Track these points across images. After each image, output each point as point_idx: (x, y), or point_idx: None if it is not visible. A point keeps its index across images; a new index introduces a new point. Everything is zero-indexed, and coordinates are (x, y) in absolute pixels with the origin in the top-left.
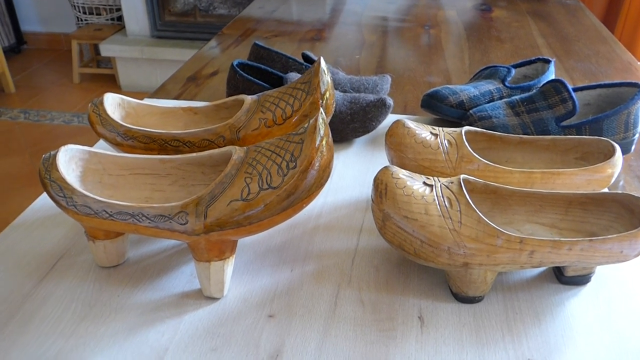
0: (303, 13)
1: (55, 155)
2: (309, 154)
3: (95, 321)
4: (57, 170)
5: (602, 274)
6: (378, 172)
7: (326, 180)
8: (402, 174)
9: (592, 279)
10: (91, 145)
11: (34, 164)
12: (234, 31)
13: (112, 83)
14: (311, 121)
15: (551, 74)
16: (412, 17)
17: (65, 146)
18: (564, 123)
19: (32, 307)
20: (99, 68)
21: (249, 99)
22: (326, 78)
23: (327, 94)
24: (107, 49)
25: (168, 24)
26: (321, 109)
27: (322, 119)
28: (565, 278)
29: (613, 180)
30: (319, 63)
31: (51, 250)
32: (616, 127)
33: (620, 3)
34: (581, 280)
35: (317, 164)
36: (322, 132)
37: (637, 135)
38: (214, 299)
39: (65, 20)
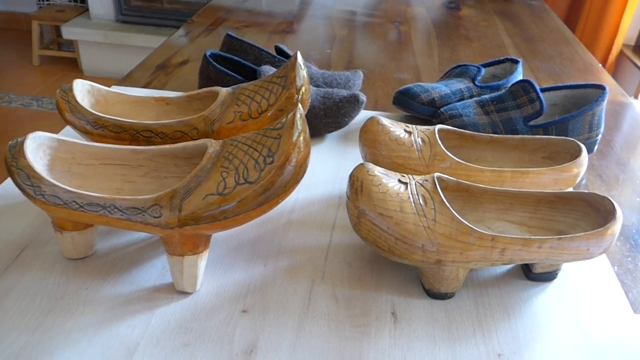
0: (273, 4)
1: (22, 142)
2: (287, 150)
3: (62, 314)
4: (25, 158)
5: (568, 270)
6: (354, 169)
7: (302, 176)
8: (377, 171)
9: (559, 275)
10: (55, 132)
11: None
12: (204, 19)
13: (74, 67)
14: (289, 116)
15: (519, 74)
16: (381, 13)
17: (34, 133)
18: (532, 123)
19: None
20: (60, 51)
21: (223, 91)
22: (302, 73)
23: (303, 89)
24: (69, 32)
25: (134, 8)
26: (299, 104)
27: (300, 114)
28: (533, 275)
29: (579, 179)
30: (296, 57)
31: (15, 241)
32: (581, 128)
33: (582, 4)
34: (548, 276)
35: (294, 160)
36: (299, 127)
37: (600, 136)
38: (186, 293)
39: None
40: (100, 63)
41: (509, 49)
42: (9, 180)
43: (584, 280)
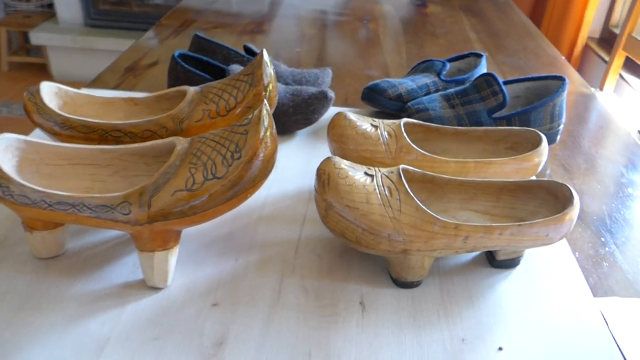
0: (242, 5)
1: None
2: (254, 145)
3: (32, 313)
4: None
5: (531, 257)
6: (321, 163)
7: (270, 171)
8: (344, 164)
9: (521, 262)
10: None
11: None
12: (173, 21)
13: (43, 72)
14: (255, 112)
15: (483, 68)
16: (350, 11)
17: (1, 135)
18: (495, 115)
19: None
20: (29, 57)
21: (191, 90)
22: (269, 70)
23: (270, 86)
24: (37, 37)
25: (102, 12)
26: (265, 101)
27: (267, 111)
28: (497, 262)
29: (540, 168)
30: (262, 55)
31: None
32: (543, 118)
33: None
34: (511, 263)
35: (261, 155)
36: (266, 123)
37: (562, 126)
38: (157, 288)
39: None
40: (70, 68)
41: (474, 44)
42: None
43: (546, 266)
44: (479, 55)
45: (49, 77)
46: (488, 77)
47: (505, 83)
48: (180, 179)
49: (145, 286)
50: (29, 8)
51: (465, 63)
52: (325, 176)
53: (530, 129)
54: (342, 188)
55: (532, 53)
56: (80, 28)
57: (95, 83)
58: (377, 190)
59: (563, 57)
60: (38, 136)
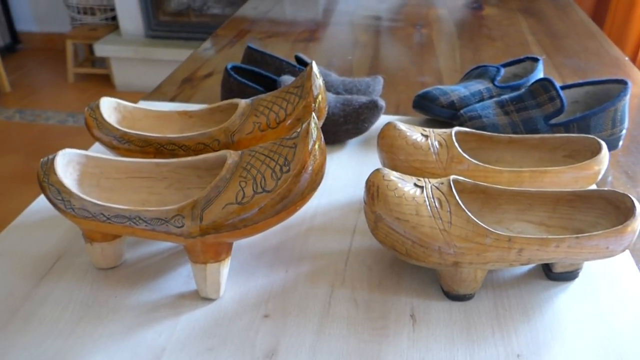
0: (296, 13)
1: (53, 159)
2: (302, 158)
3: (93, 322)
4: (55, 174)
5: (590, 269)
6: (370, 175)
7: (319, 183)
8: (393, 175)
9: (580, 274)
10: (87, 147)
11: (30, 163)
12: (229, 32)
13: (106, 83)
14: (304, 125)
15: (540, 73)
16: (403, 17)
17: (63, 150)
18: (553, 121)
19: (31, 307)
20: (94, 68)
21: (242, 102)
22: (318, 82)
23: (320, 97)
24: (101, 49)
25: (162, 23)
26: (313, 113)
27: (315, 123)
28: (554, 274)
29: (600, 177)
30: (311, 67)
31: (49, 252)
32: (604, 124)
33: None
34: (569, 276)
35: (310, 168)
36: (314, 136)
37: (624, 132)
38: (210, 299)
39: (60, 20)
40: (132, 78)
41: (532, 46)
42: (43, 196)
43: (607, 279)
44: (536, 60)
45: (112, 88)
46: (545, 82)
47: (563, 88)
48: (231, 193)
49: (199, 297)
50: (94, 21)
51: (521, 68)
52: (374, 188)
53: (589, 135)
54: (392, 200)
55: (593, 54)
56: (142, 39)
57: (154, 94)
58: (427, 202)
59: (627, 58)
60: (98, 149)
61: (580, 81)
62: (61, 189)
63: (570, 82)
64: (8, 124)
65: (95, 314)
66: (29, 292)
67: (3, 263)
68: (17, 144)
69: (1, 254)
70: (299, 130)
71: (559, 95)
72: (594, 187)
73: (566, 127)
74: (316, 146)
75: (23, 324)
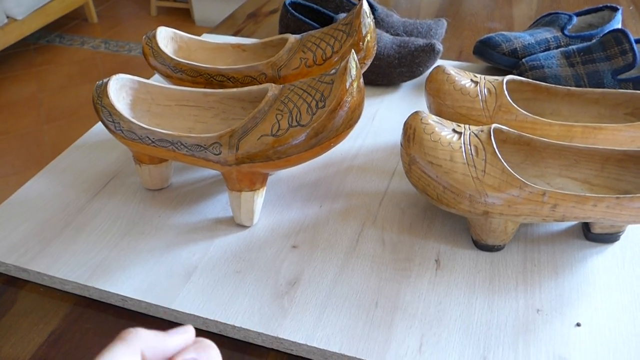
0: None
1: (107, 83)
2: (338, 95)
3: (136, 237)
4: (108, 97)
5: (633, 234)
6: (408, 117)
7: (355, 121)
8: (431, 119)
9: (621, 238)
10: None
11: None
12: None
13: (187, 17)
14: (342, 63)
15: (617, 24)
16: None
17: (117, 75)
18: (621, 76)
19: (84, 219)
20: (175, 2)
21: (292, 38)
22: (368, 20)
23: (369, 37)
24: None
25: None
26: (352, 51)
27: (355, 61)
28: (592, 235)
29: None
30: (361, 5)
31: (105, 171)
32: None
33: None
34: (608, 238)
35: (346, 105)
36: (353, 74)
37: None
38: (243, 226)
39: None
40: (211, 13)
41: None
42: None
43: None
44: (615, 9)
45: (192, 22)
46: (617, 34)
47: (638, 42)
48: (267, 124)
49: (234, 223)
50: None
51: (598, 17)
52: (410, 130)
53: None
54: (427, 144)
55: None
56: None
57: (219, 29)
58: (463, 149)
59: None
60: (158, 80)
61: None
62: (112, 111)
63: None
64: (94, 53)
65: (139, 230)
66: (83, 205)
67: (64, 178)
68: (101, 72)
69: (63, 169)
70: (337, 67)
71: (632, 49)
72: None
73: (635, 83)
74: (354, 84)
75: (75, 233)
